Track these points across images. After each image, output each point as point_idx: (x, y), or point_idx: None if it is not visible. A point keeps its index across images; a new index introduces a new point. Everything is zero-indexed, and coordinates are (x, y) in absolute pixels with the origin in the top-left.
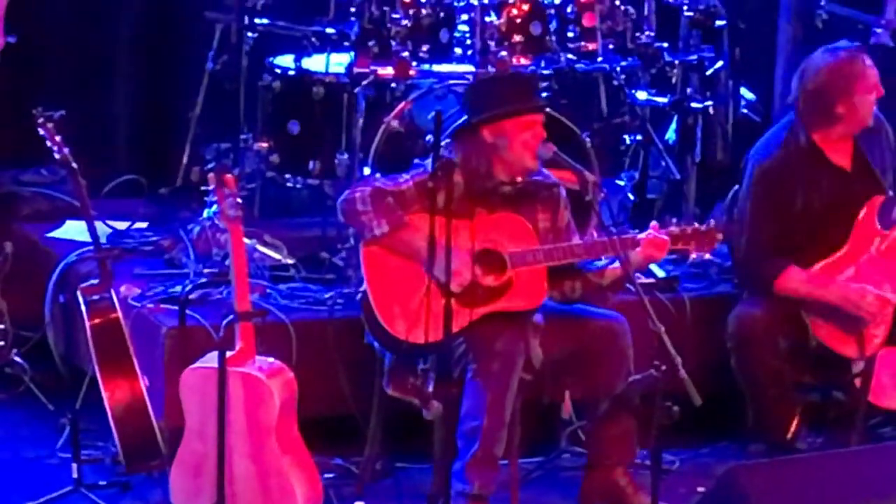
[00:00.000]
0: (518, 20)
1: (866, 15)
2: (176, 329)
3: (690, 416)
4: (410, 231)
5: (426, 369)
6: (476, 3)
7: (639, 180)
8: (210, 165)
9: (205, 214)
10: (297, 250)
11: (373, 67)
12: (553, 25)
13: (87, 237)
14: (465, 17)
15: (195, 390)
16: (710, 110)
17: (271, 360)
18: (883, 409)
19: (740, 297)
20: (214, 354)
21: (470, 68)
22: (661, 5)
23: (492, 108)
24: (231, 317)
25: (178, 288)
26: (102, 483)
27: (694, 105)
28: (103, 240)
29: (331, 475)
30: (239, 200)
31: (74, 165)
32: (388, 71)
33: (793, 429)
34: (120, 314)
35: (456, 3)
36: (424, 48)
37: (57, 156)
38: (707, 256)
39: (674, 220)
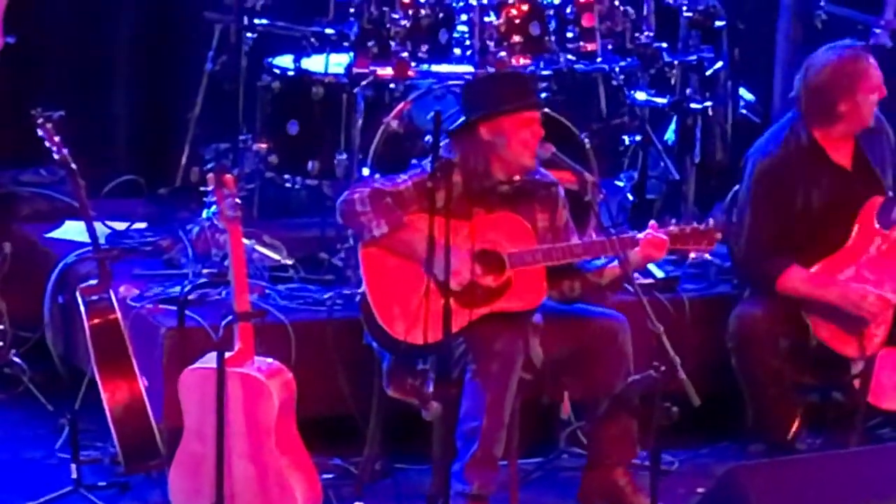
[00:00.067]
0: (517, 20)
1: (866, 15)
2: (175, 329)
3: (690, 416)
4: (410, 231)
5: (425, 370)
6: (475, 3)
7: (638, 181)
8: (209, 166)
9: (204, 215)
10: (296, 251)
11: (372, 68)
12: (552, 26)
13: (86, 237)
14: (464, 17)
15: (194, 391)
16: (710, 111)
17: (270, 360)
18: (882, 410)
19: (740, 297)
20: (213, 355)
21: (469, 69)
22: (661, 6)
23: (489, 105)
24: (230, 317)
25: (177, 288)
26: (101, 483)
27: (693, 105)
28: (102, 240)
29: (330, 476)
30: (238, 201)
31: (73, 166)
32: (388, 71)
33: (794, 429)
34: (119, 315)
35: (455, 4)
36: (423, 48)
37: (56, 156)
38: (706, 256)
39: (673, 221)
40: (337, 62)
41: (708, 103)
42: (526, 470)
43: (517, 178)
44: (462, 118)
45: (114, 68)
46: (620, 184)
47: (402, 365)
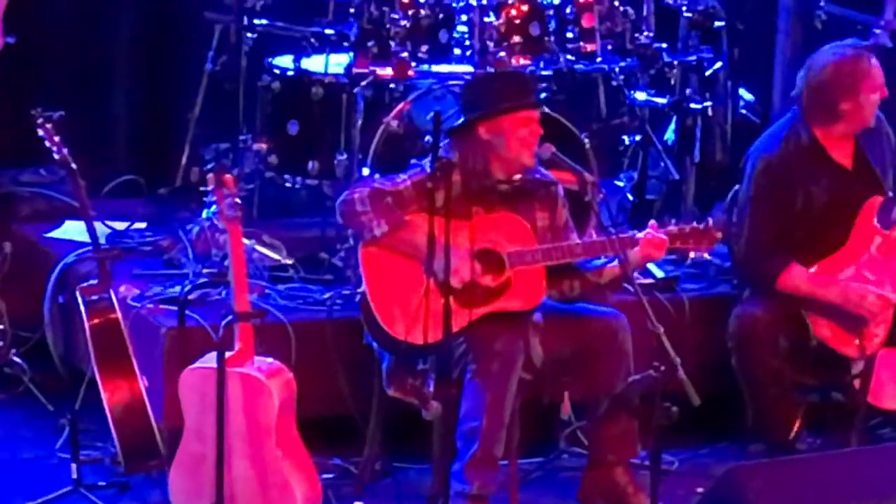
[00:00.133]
0: (517, 21)
1: (865, 15)
2: (175, 329)
3: (690, 416)
4: (410, 230)
5: (425, 370)
6: (475, 3)
7: (638, 181)
8: (209, 166)
9: (204, 215)
10: (295, 251)
11: (372, 68)
12: (552, 26)
13: (86, 237)
14: (464, 17)
15: (194, 391)
16: (709, 111)
17: (270, 360)
18: (882, 410)
19: (740, 297)
20: (213, 355)
21: (469, 69)
22: (660, 6)
23: (488, 105)
24: (230, 317)
25: (178, 288)
26: (101, 483)
27: (693, 106)
28: (102, 240)
29: (330, 475)
30: (238, 201)
31: (73, 166)
32: (387, 71)
33: (794, 429)
34: (119, 314)
35: (455, 4)
36: (423, 49)
37: (56, 156)
38: (706, 256)
39: (672, 221)
40: (337, 62)
41: (708, 103)
42: (526, 470)
43: (517, 177)
44: (461, 118)
45: (114, 68)
46: (620, 184)
47: (402, 365)
